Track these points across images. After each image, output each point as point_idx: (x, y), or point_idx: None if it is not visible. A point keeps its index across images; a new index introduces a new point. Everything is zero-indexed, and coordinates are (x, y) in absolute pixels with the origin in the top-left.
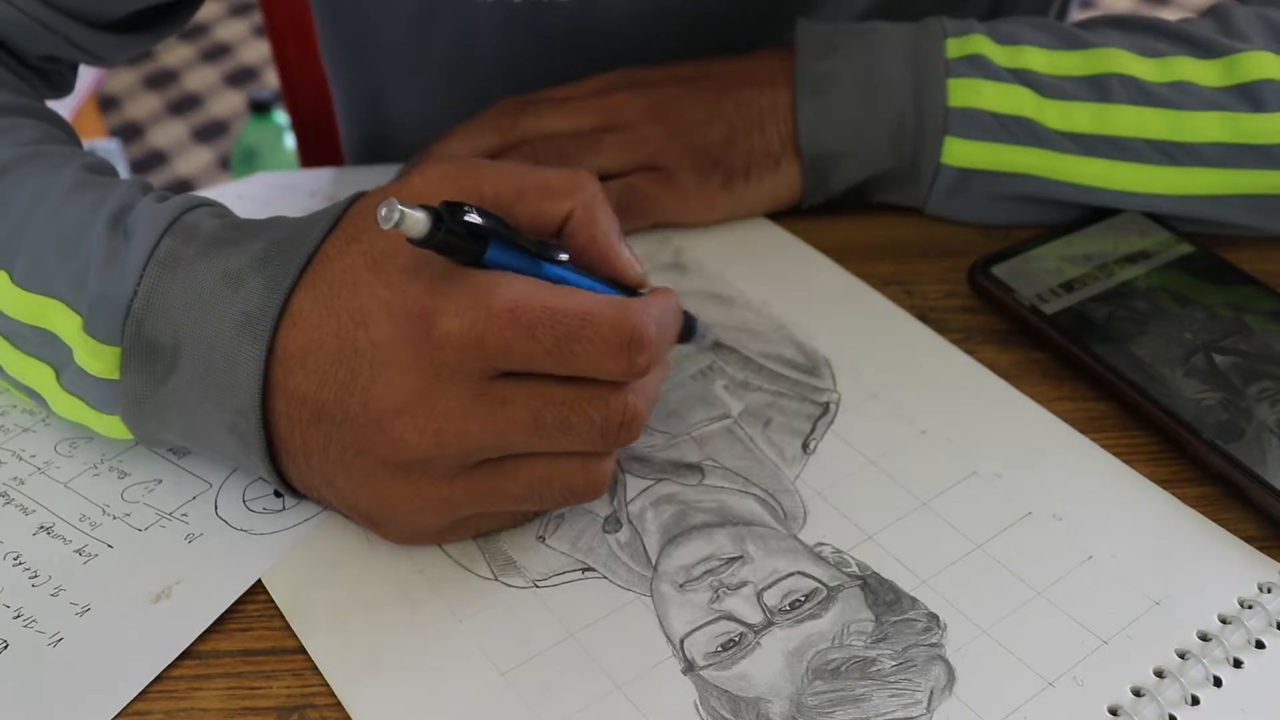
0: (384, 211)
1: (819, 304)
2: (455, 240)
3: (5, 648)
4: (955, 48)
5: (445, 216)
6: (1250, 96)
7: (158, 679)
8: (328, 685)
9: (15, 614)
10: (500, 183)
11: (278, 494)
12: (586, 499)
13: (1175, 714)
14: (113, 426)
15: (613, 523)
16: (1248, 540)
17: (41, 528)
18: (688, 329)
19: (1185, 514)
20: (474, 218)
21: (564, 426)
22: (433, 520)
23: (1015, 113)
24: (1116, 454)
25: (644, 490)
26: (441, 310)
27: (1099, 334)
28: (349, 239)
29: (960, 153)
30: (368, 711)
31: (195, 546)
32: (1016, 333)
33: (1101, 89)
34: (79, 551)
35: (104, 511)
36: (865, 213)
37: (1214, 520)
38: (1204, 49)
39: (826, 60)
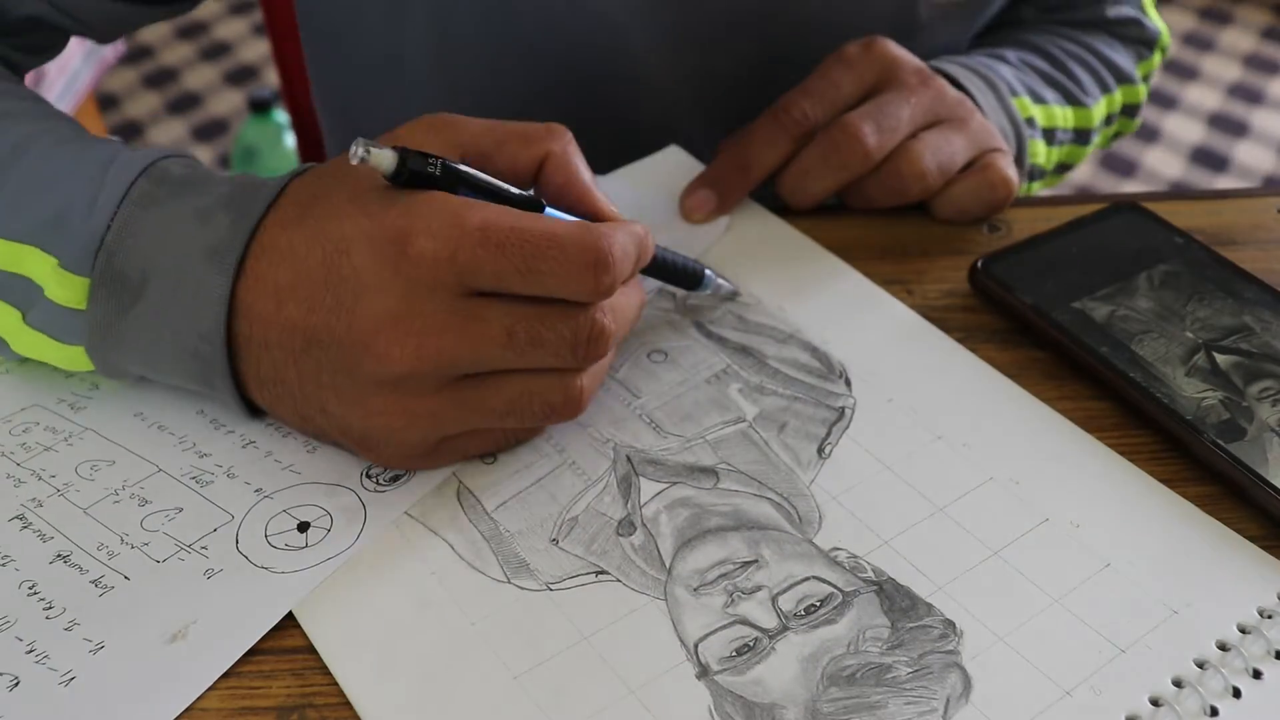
0: (353, 149)
1: (835, 308)
2: (421, 175)
3: (16, 684)
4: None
5: (410, 153)
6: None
7: None
8: (328, 685)
9: (28, 648)
10: (481, 135)
11: (300, 529)
12: (565, 416)
13: None
14: (74, 358)
15: (627, 526)
16: (1250, 539)
17: (59, 555)
18: (695, 276)
19: (1204, 522)
20: (434, 166)
21: (536, 341)
22: (419, 436)
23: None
24: (1117, 453)
25: (658, 493)
26: (416, 231)
27: (1100, 333)
28: (336, 181)
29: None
30: (379, 714)
31: (214, 583)
32: (1017, 332)
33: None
34: (95, 583)
35: (122, 540)
36: (865, 213)
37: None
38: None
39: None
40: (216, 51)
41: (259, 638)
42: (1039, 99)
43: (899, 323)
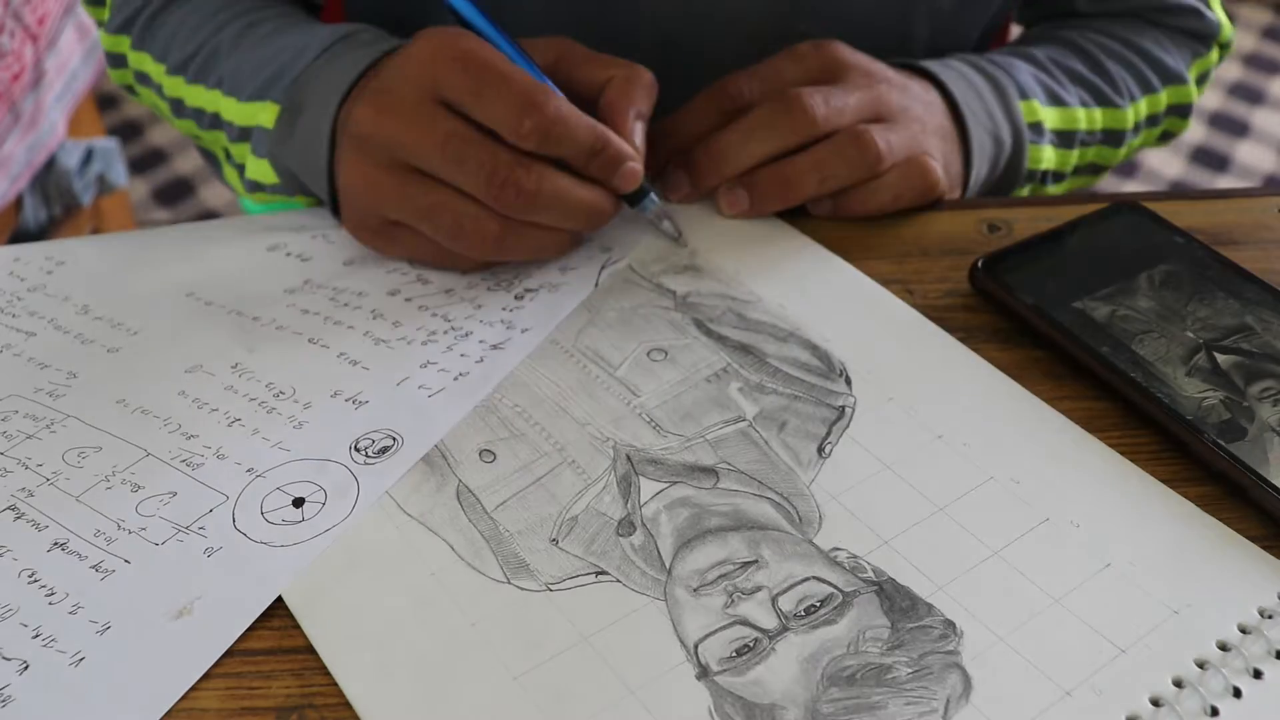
0: None
1: (835, 307)
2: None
3: (26, 668)
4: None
5: None
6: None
7: None
8: (327, 685)
9: (34, 633)
10: (574, 51)
11: (295, 504)
12: (472, 246)
13: None
14: (263, 169)
15: (626, 526)
16: (1250, 540)
17: (55, 544)
18: (637, 193)
19: (1205, 521)
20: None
21: (460, 158)
22: (368, 204)
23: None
24: (1117, 453)
25: (658, 493)
26: (423, 40)
27: (1100, 333)
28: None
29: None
30: (379, 714)
31: (215, 561)
32: (1017, 331)
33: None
34: (95, 568)
35: (119, 526)
36: None
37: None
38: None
39: (977, 127)
40: None
41: (265, 608)
42: (1058, 101)
43: (899, 321)
